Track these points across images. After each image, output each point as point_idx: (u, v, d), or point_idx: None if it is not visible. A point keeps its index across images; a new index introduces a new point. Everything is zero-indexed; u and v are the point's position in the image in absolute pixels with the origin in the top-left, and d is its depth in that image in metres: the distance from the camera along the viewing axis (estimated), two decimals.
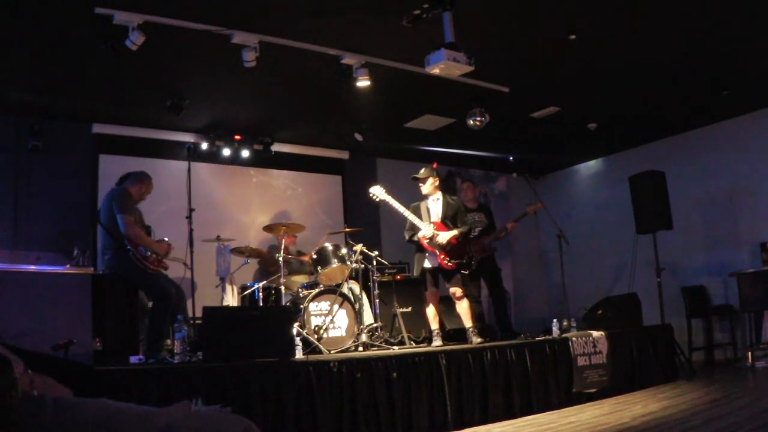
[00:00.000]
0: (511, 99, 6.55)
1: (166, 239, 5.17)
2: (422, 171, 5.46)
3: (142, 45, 4.47)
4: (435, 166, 5.58)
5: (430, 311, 5.38)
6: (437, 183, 5.46)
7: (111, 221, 4.74)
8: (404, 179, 5.71)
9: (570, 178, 9.73)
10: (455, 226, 5.35)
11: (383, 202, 5.36)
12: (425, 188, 5.43)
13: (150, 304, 5.00)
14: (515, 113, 7.10)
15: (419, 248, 5.37)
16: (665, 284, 6.68)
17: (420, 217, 5.31)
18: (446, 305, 5.97)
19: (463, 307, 5.37)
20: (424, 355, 4.44)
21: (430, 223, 5.28)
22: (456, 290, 5.33)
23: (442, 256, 5.24)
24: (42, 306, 3.96)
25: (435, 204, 5.42)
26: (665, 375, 6.13)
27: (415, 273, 5.47)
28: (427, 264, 5.32)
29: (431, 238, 5.21)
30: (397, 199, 5.35)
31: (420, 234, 5.24)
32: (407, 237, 5.42)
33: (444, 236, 5.21)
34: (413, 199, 5.49)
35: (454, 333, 6.11)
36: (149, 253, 4.72)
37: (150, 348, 4.47)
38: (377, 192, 5.38)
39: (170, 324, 4.72)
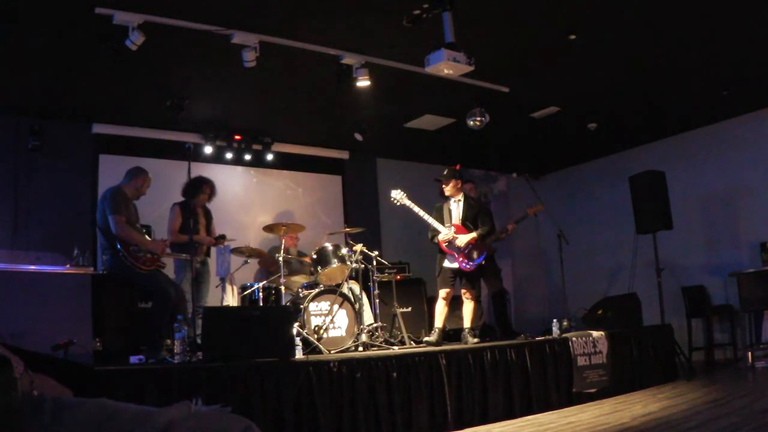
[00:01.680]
0: (511, 99, 6.55)
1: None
2: (445, 173, 5.47)
3: (142, 45, 4.47)
4: (458, 167, 5.59)
5: (440, 310, 5.40)
6: (459, 185, 5.51)
7: (105, 222, 4.75)
8: (404, 179, 5.73)
9: (570, 178, 9.72)
10: (476, 228, 5.38)
11: (404, 207, 5.36)
12: (447, 190, 5.47)
13: (149, 305, 5.01)
14: (515, 113, 7.10)
15: (439, 248, 5.40)
16: (665, 284, 6.68)
17: (442, 219, 5.36)
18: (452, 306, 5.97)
19: (468, 309, 5.45)
20: (424, 355, 4.44)
21: (451, 225, 5.31)
22: (467, 291, 5.41)
23: (461, 259, 5.27)
24: (42, 306, 3.95)
25: (456, 206, 5.47)
26: (665, 375, 6.14)
27: (437, 272, 5.49)
28: (447, 264, 5.36)
29: (450, 242, 5.25)
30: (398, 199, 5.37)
31: (439, 237, 5.29)
32: (430, 237, 5.46)
33: (462, 239, 5.26)
34: (414, 197, 5.49)
35: (453, 333, 6.11)
36: (141, 253, 4.72)
37: (150, 348, 4.47)
38: (398, 196, 5.39)
39: (170, 324, 4.72)
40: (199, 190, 5.82)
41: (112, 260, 4.75)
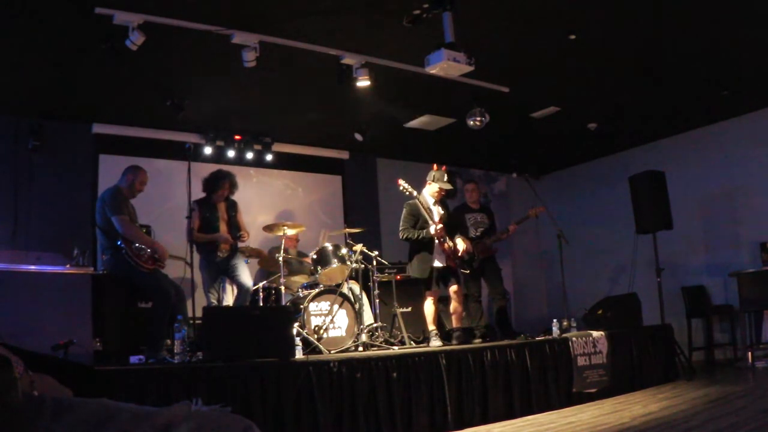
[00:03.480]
0: (511, 99, 6.55)
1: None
2: (447, 179, 5.43)
3: (142, 45, 4.47)
4: (444, 168, 5.57)
5: (431, 312, 5.37)
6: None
7: (105, 222, 4.74)
8: (404, 179, 5.70)
9: (570, 178, 9.72)
10: (452, 229, 5.42)
11: (410, 194, 5.30)
12: (437, 193, 5.43)
13: (149, 305, 5.00)
14: (515, 113, 7.10)
15: (424, 247, 5.34)
16: (665, 284, 6.68)
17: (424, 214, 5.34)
18: (445, 305, 5.96)
19: (457, 308, 5.43)
20: (424, 355, 4.44)
21: (435, 224, 5.31)
22: (459, 289, 5.40)
23: (453, 257, 5.29)
24: (42, 306, 3.96)
25: (437, 208, 5.46)
26: (665, 375, 6.13)
27: (419, 273, 5.37)
28: (436, 263, 5.33)
29: (440, 239, 5.24)
30: (396, 198, 5.38)
31: (433, 229, 5.19)
32: (411, 235, 5.32)
33: (462, 247, 5.34)
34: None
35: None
36: (143, 251, 4.70)
37: (150, 348, 4.47)
38: (406, 185, 5.30)
39: (170, 324, 4.73)
40: (218, 185, 5.73)
41: (113, 259, 4.75)
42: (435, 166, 5.54)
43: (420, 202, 5.33)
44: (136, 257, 4.68)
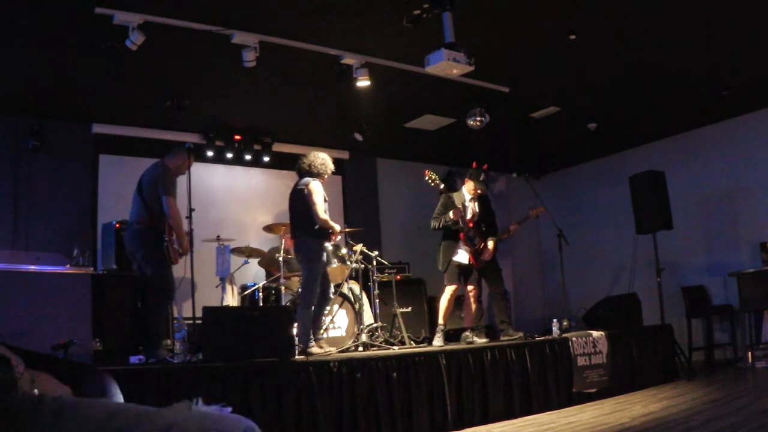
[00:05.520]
0: (511, 99, 6.55)
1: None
2: (482, 177, 5.48)
3: (142, 45, 4.47)
4: (474, 165, 5.59)
5: (443, 305, 5.38)
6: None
7: (153, 198, 4.49)
8: (404, 179, 5.71)
9: (570, 178, 9.72)
10: (489, 230, 5.47)
11: (435, 186, 5.28)
12: (473, 190, 5.48)
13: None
14: (515, 113, 7.10)
15: (451, 237, 5.33)
16: (665, 284, 6.68)
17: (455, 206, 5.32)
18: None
19: (472, 308, 5.47)
20: (424, 355, 4.44)
21: (467, 221, 5.34)
22: (475, 289, 5.45)
23: (476, 257, 5.31)
24: (42, 306, 3.96)
25: (472, 204, 5.46)
26: (665, 375, 6.13)
27: (441, 265, 5.40)
28: (458, 259, 5.33)
29: (470, 238, 5.25)
30: (396, 198, 5.38)
31: (452, 213, 5.18)
32: (435, 223, 5.34)
33: (490, 250, 5.38)
34: (414, 197, 5.49)
35: (453, 333, 6.11)
36: (174, 246, 4.49)
37: (149, 347, 4.45)
38: (432, 175, 5.26)
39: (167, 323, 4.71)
40: (326, 169, 5.17)
41: (144, 235, 4.44)
42: (474, 164, 5.57)
43: (454, 195, 5.36)
44: (170, 250, 4.49)
